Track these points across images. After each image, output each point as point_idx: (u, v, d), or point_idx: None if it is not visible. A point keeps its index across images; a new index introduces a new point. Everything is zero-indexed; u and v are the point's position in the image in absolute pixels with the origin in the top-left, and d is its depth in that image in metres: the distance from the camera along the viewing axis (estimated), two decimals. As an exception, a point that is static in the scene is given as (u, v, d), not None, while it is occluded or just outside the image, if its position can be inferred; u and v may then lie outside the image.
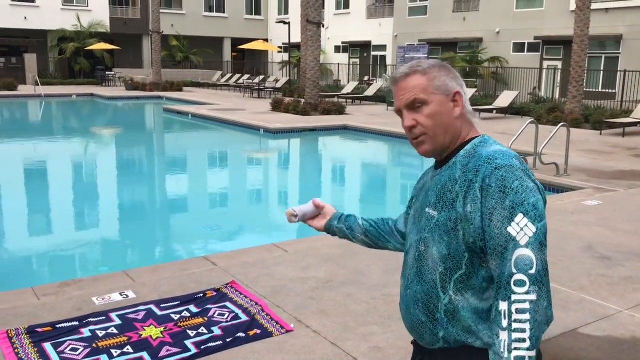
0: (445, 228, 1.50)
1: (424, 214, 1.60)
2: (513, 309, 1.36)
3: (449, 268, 1.50)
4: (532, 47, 26.21)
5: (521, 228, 1.38)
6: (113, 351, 3.52)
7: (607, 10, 23.13)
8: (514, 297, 1.36)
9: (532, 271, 1.36)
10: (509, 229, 1.39)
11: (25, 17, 34.65)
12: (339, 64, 34.15)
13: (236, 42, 41.06)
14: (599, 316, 4.08)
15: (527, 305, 1.35)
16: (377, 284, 4.65)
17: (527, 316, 1.35)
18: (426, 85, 1.54)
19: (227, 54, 42.53)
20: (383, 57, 33.82)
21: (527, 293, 1.35)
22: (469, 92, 17.40)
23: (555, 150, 10.44)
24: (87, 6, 36.64)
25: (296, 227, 8.24)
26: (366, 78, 32.71)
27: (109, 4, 37.54)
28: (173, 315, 4.01)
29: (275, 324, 3.90)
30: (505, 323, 1.37)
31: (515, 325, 1.35)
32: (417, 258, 1.59)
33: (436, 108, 1.54)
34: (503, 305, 1.37)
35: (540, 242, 1.39)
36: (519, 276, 1.36)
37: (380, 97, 24.40)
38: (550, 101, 20.59)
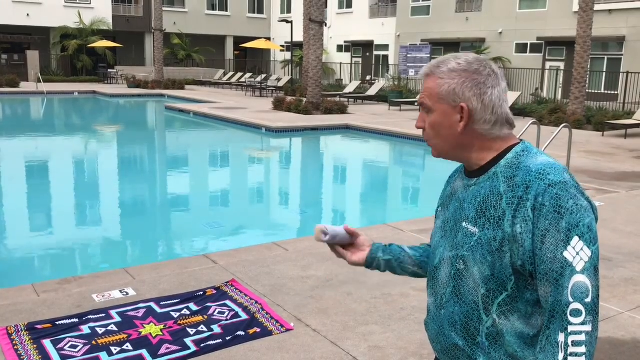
0: (489, 248, 1.36)
1: (460, 228, 1.46)
2: (569, 341, 1.27)
3: (491, 290, 1.38)
4: (535, 48, 26.19)
5: (577, 252, 1.27)
6: (112, 348, 3.52)
7: (610, 11, 23.10)
8: (570, 328, 1.26)
9: (588, 299, 1.27)
10: (565, 254, 1.27)
11: (28, 14, 34.67)
12: (341, 63, 34.13)
13: (238, 40, 41.08)
14: (599, 317, 4.07)
15: (583, 337, 1.26)
16: (377, 284, 4.64)
17: (582, 349, 1.26)
18: (434, 91, 1.43)
19: (230, 52, 42.53)
20: (385, 57, 33.80)
21: (583, 324, 1.26)
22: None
23: (557, 152, 10.43)
24: (90, 3, 36.65)
25: (296, 225, 8.24)
26: (368, 77, 32.70)
27: (111, 1, 37.55)
28: (173, 313, 4.01)
29: (275, 322, 3.89)
30: (561, 356, 1.27)
31: None
32: (454, 276, 1.46)
33: (436, 118, 1.44)
34: (560, 337, 1.27)
35: (595, 267, 1.29)
36: (576, 305, 1.27)
37: (383, 97, 24.38)
38: (553, 102, 20.56)
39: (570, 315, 1.27)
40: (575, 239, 1.28)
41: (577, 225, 1.28)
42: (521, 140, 1.48)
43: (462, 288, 1.44)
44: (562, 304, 1.27)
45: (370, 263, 1.75)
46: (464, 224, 1.45)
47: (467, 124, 1.41)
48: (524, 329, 1.38)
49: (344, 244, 1.78)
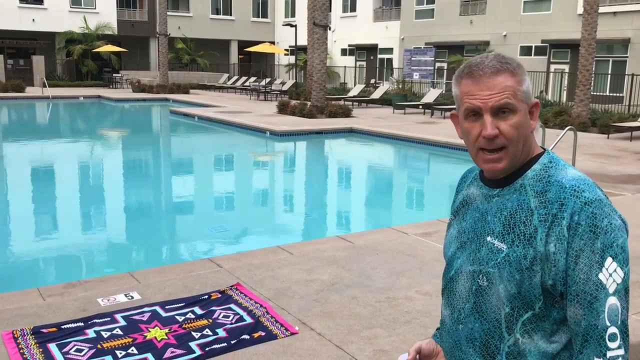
0: (518, 266, 1.30)
1: (484, 242, 1.38)
2: None
3: (516, 308, 1.32)
4: (539, 51, 26.16)
5: (610, 274, 1.23)
6: (118, 352, 3.52)
7: (614, 13, 23.06)
8: (609, 354, 1.22)
9: (620, 322, 1.24)
10: (600, 276, 1.23)
11: (34, 19, 34.87)
12: (345, 66, 34.17)
13: (243, 44, 41.18)
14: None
15: None
16: (382, 287, 4.63)
17: None
18: (516, 89, 1.30)
19: (234, 56, 42.64)
20: (389, 60, 33.83)
21: (618, 348, 1.23)
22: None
23: (562, 154, 10.39)
24: (95, 8, 36.83)
25: (301, 228, 8.24)
26: (372, 81, 32.73)
27: (116, 6, 37.73)
28: (178, 317, 4.02)
29: (279, 326, 3.89)
30: None
31: None
32: (476, 292, 1.39)
33: (521, 118, 1.31)
34: None
35: (625, 289, 1.25)
36: (612, 329, 1.22)
37: (387, 100, 24.39)
38: (557, 105, 20.52)
39: (609, 340, 1.23)
40: (609, 259, 1.24)
41: (611, 246, 1.24)
42: (544, 148, 1.41)
43: (484, 305, 1.38)
44: (599, 329, 1.23)
45: None
46: (488, 238, 1.37)
47: (536, 121, 1.35)
48: (547, 348, 1.33)
49: None
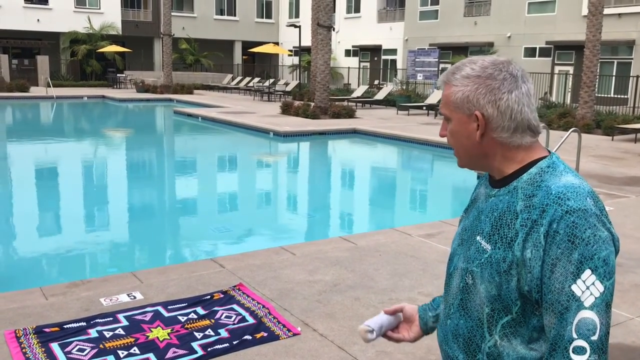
0: (498, 268, 1.31)
1: (474, 242, 1.41)
2: None
3: (496, 309, 1.33)
4: (544, 52, 26.10)
5: (587, 287, 1.20)
6: (120, 352, 3.52)
7: (619, 15, 22.99)
8: None
9: (594, 337, 1.19)
10: (573, 287, 1.21)
11: (38, 20, 34.96)
12: (349, 67, 34.15)
13: (247, 45, 41.21)
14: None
15: None
16: (385, 288, 4.62)
17: None
18: (449, 100, 1.39)
19: (238, 57, 42.67)
20: (393, 61, 33.80)
21: None
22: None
23: (566, 156, 10.37)
24: (99, 8, 36.91)
25: (304, 229, 8.23)
26: (376, 82, 32.70)
27: (120, 6, 37.80)
28: (180, 317, 4.01)
29: (282, 327, 3.89)
30: None
31: None
32: (463, 289, 1.42)
33: (454, 127, 1.40)
34: None
35: (606, 304, 1.21)
36: (579, 342, 1.20)
37: (391, 101, 24.36)
38: (562, 106, 20.47)
39: (573, 352, 1.20)
40: (587, 272, 1.21)
41: (591, 258, 1.21)
42: (550, 152, 1.39)
43: (469, 303, 1.40)
44: (565, 340, 1.21)
45: (426, 329, 1.70)
46: (478, 237, 1.40)
47: (483, 132, 1.35)
48: (526, 354, 1.32)
49: (394, 327, 1.71)
